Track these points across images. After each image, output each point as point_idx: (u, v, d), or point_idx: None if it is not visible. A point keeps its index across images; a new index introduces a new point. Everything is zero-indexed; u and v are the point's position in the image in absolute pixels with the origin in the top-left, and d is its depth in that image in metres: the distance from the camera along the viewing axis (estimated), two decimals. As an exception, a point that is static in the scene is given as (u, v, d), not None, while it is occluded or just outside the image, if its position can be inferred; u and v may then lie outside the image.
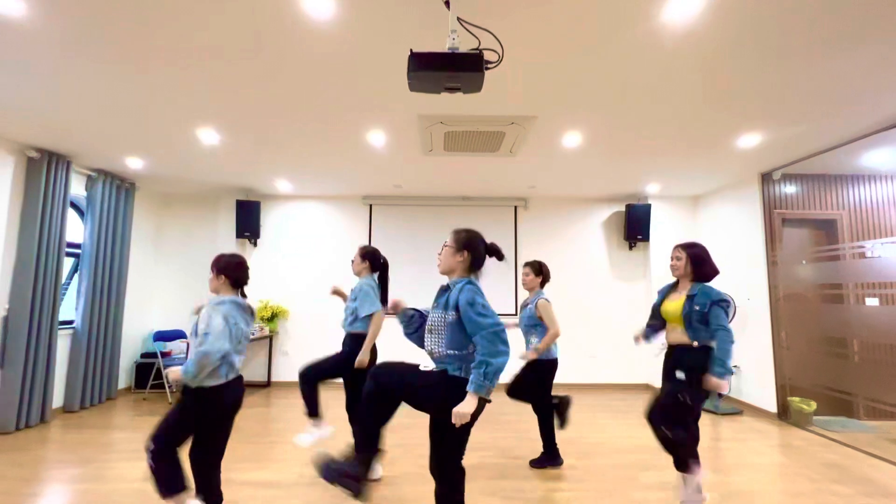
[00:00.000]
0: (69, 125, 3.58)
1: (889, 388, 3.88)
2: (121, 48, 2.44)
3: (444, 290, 1.87)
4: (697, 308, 2.42)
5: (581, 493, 2.77)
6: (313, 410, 2.92)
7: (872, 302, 4.45)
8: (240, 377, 2.20)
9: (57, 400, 4.38)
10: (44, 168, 4.07)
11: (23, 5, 2.07)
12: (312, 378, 2.90)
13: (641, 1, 2.00)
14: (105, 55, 2.51)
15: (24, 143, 3.99)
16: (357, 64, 2.57)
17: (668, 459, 2.51)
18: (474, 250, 1.90)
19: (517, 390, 3.22)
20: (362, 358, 2.83)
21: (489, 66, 1.69)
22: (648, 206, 5.65)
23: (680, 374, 2.41)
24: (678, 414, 2.40)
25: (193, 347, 2.05)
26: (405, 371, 1.87)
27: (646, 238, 5.68)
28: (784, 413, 4.43)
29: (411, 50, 1.65)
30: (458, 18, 1.75)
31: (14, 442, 3.64)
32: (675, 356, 2.52)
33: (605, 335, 5.75)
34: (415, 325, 1.95)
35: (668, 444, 2.42)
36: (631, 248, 5.88)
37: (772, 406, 4.51)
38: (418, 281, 5.63)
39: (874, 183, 4.62)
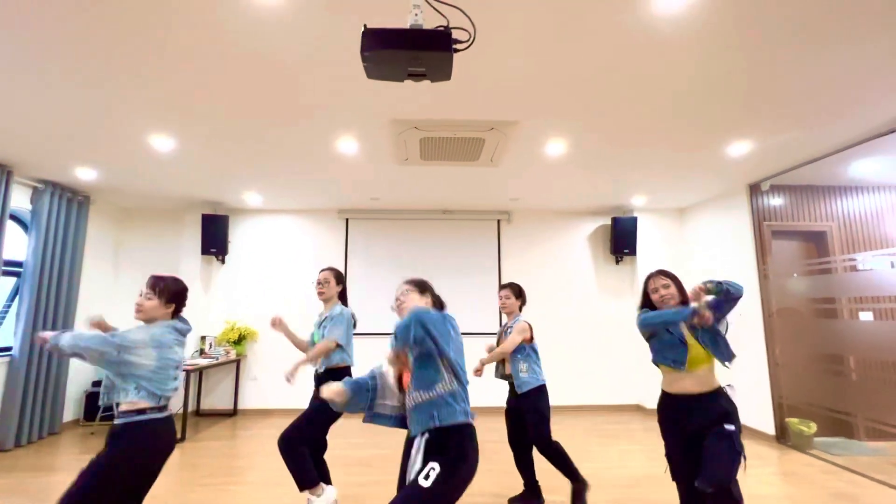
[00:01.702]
0: (7, 132, 3.23)
1: (889, 408, 3.69)
2: (64, 51, 2.15)
3: None
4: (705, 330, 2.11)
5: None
6: (305, 480, 2.45)
7: (866, 316, 4.30)
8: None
9: (-13, 437, 3.91)
10: (-21, 178, 3.70)
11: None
12: (294, 444, 2.46)
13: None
14: (47, 59, 2.21)
15: (-45, 151, 3.62)
16: (313, 56, 2.32)
17: (656, 486, 2.21)
18: (431, 290, 1.92)
19: (518, 437, 2.86)
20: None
21: (458, 46, 1.45)
22: (635, 219, 5.48)
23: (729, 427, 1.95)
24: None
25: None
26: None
27: (633, 252, 5.50)
28: (783, 435, 4.19)
29: (365, 25, 1.40)
30: (424, -6, 1.52)
31: (-74, 489, 3.16)
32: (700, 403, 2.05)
33: (592, 353, 5.49)
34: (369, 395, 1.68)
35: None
36: (618, 262, 5.69)
37: (769, 428, 4.28)
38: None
39: (863, 194, 4.53)
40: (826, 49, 2.25)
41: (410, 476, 1.47)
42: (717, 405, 2.00)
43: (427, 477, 1.45)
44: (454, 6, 1.50)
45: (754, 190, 4.53)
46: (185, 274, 5.42)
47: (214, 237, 5.32)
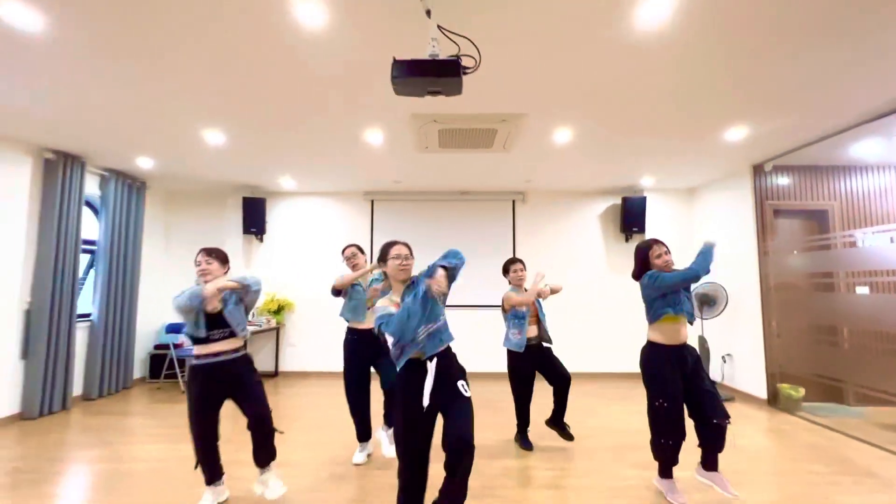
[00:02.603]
0: (83, 128, 3.77)
1: (877, 375, 3.97)
2: (132, 55, 2.61)
3: (411, 286, 2.01)
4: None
5: (569, 471, 2.93)
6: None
7: (863, 290, 4.53)
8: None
9: (77, 389, 4.63)
10: (59, 169, 4.28)
11: (40, 19, 2.25)
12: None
13: (615, 4, 2.12)
14: (117, 62, 2.69)
15: (40, 146, 4.21)
16: (350, 68, 2.71)
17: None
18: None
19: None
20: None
21: (467, 71, 1.83)
22: (644, 199, 5.75)
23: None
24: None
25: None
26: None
27: (641, 230, 5.79)
28: (774, 399, 4.54)
29: (394, 57, 1.80)
30: (439, 26, 1.89)
31: (39, 427, 3.88)
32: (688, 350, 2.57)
33: (602, 325, 5.87)
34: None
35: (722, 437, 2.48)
36: (627, 240, 5.98)
37: (762, 393, 4.62)
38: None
39: (863, 173, 4.68)
40: (805, 49, 2.51)
41: (427, 391, 1.90)
42: (694, 350, 2.57)
43: (466, 389, 1.94)
44: (464, 37, 1.87)
45: (758, 171, 4.74)
46: (229, 250, 5.99)
47: (254, 218, 5.88)
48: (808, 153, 4.30)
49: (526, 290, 3.40)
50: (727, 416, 2.45)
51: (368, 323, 3.04)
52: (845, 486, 2.74)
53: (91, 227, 4.99)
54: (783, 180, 4.78)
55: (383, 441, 3.13)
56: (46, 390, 4.15)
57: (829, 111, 3.39)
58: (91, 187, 4.83)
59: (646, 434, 2.63)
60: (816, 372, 4.43)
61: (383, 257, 2.10)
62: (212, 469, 2.42)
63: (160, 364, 5.56)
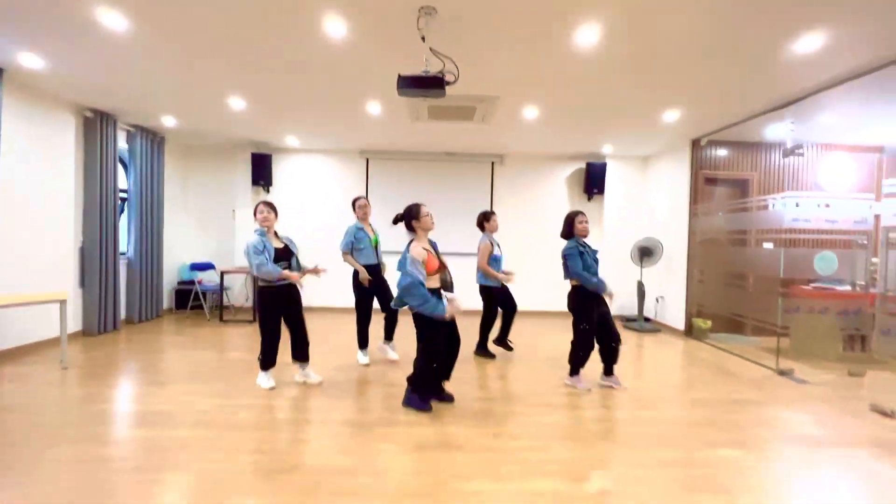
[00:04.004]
0: (119, 90, 4.38)
1: (767, 311, 5.12)
2: (174, 35, 3.28)
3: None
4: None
5: (521, 373, 4.03)
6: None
7: (768, 245, 5.61)
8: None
9: (121, 314, 5.54)
10: (97, 126, 4.94)
11: (112, 12, 2.92)
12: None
13: (560, 29, 2.90)
14: (161, 40, 3.36)
15: (81, 105, 4.83)
16: (361, 60, 3.45)
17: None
18: None
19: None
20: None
21: (449, 83, 2.64)
22: (605, 165, 6.64)
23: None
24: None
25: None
26: None
27: (601, 192, 6.73)
28: (689, 331, 5.72)
29: (399, 74, 2.59)
30: (431, 49, 2.67)
31: (101, 340, 4.83)
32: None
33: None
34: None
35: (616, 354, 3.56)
36: (589, 199, 6.92)
37: (681, 326, 5.80)
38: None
39: (777, 150, 5.63)
40: (707, 58, 3.35)
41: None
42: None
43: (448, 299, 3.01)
44: (448, 57, 2.67)
45: (695, 144, 5.65)
46: (240, 200, 6.82)
47: (261, 171, 6.60)
48: (734, 132, 5.19)
49: (497, 244, 4.36)
50: (620, 341, 3.55)
51: (373, 258, 4.08)
52: (706, 378, 3.91)
53: (121, 177, 5.68)
54: (716, 153, 5.71)
55: (389, 351, 4.19)
56: (101, 313, 5.06)
57: (739, 102, 4.26)
58: (119, 141, 5.48)
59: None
60: (726, 309, 5.59)
61: (416, 215, 2.97)
62: (273, 359, 3.44)
63: (184, 297, 6.47)
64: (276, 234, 3.49)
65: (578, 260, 3.48)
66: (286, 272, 3.32)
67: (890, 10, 2.58)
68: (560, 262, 3.66)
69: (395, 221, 3.11)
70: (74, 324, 4.88)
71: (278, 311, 3.40)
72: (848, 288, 4.68)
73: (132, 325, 5.62)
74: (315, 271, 3.59)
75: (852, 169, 5.67)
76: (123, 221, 5.70)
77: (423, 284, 2.77)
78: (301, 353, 3.52)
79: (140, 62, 3.66)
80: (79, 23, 2.94)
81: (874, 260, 4.53)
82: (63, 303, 3.83)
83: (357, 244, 4.07)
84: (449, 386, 3.27)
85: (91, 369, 3.84)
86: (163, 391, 3.34)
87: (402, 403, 3.10)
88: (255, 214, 3.42)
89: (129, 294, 5.65)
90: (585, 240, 3.60)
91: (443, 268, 2.97)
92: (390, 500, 2.03)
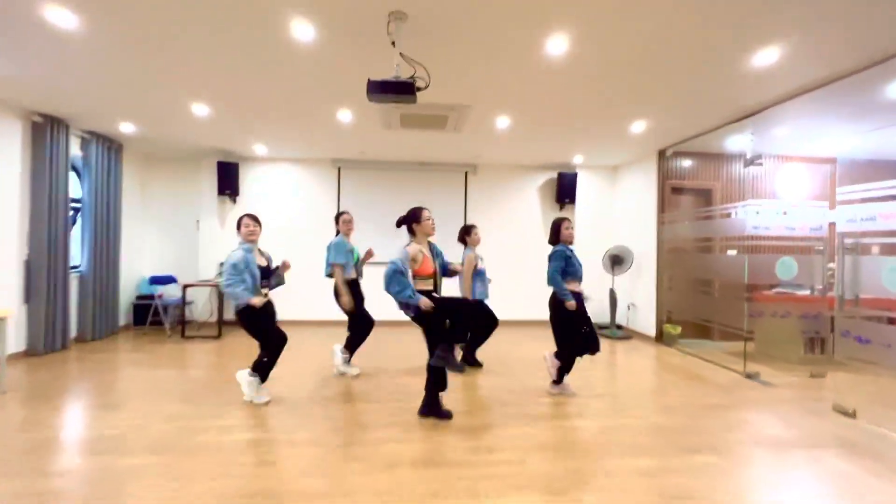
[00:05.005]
0: (74, 95, 4.13)
1: (733, 316, 5.25)
2: (131, 39, 3.10)
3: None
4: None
5: (497, 383, 3.97)
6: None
7: (732, 252, 5.81)
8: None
9: (73, 331, 5.18)
10: (47, 131, 4.64)
11: (63, 12, 2.74)
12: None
13: (531, 41, 2.91)
14: (117, 45, 3.18)
15: (30, 109, 4.54)
16: (330, 65, 3.36)
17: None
18: None
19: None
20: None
21: (420, 89, 2.59)
22: (575, 175, 6.75)
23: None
24: None
25: None
26: None
27: (573, 201, 6.82)
28: (660, 337, 5.82)
29: (369, 79, 2.53)
30: (401, 54, 2.62)
31: (46, 360, 4.48)
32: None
33: (539, 282, 6.94)
34: None
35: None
36: (561, 208, 7.00)
37: (652, 332, 5.90)
38: (382, 236, 6.53)
39: (737, 161, 5.86)
40: (672, 73, 3.44)
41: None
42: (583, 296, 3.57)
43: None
44: (420, 63, 2.62)
45: (661, 155, 5.81)
46: (204, 211, 6.55)
47: (228, 180, 6.37)
48: (698, 143, 5.37)
49: (481, 257, 4.32)
50: (598, 350, 3.52)
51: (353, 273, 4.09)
52: (679, 384, 3.95)
53: (75, 185, 5.35)
54: (681, 164, 5.89)
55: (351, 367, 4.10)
56: (48, 331, 4.70)
57: (702, 115, 4.41)
58: (73, 148, 5.17)
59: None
60: (694, 315, 5.71)
61: (417, 218, 2.99)
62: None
63: (143, 312, 6.11)
64: (259, 249, 3.37)
65: (558, 263, 3.49)
66: (254, 299, 3.18)
67: (840, 27, 2.72)
68: (544, 267, 3.66)
69: (399, 224, 3.11)
70: (17, 343, 4.51)
71: (266, 320, 3.30)
72: (807, 292, 4.87)
73: (84, 343, 5.25)
74: (285, 266, 3.54)
75: (807, 178, 5.96)
76: (77, 233, 5.36)
77: (403, 274, 2.82)
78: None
79: (92, 64, 3.45)
80: (21, 18, 2.74)
81: (830, 265, 4.73)
82: (3, 321, 3.52)
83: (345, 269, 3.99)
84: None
85: (33, 392, 3.53)
86: (114, 414, 3.10)
87: (419, 412, 3.07)
88: (238, 228, 3.31)
89: (81, 310, 5.28)
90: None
91: (451, 273, 3.24)
92: (361, 524, 1.91)
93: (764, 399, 3.63)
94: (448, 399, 3.46)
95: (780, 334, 4.74)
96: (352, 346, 4.11)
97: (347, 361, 4.09)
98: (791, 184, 5.90)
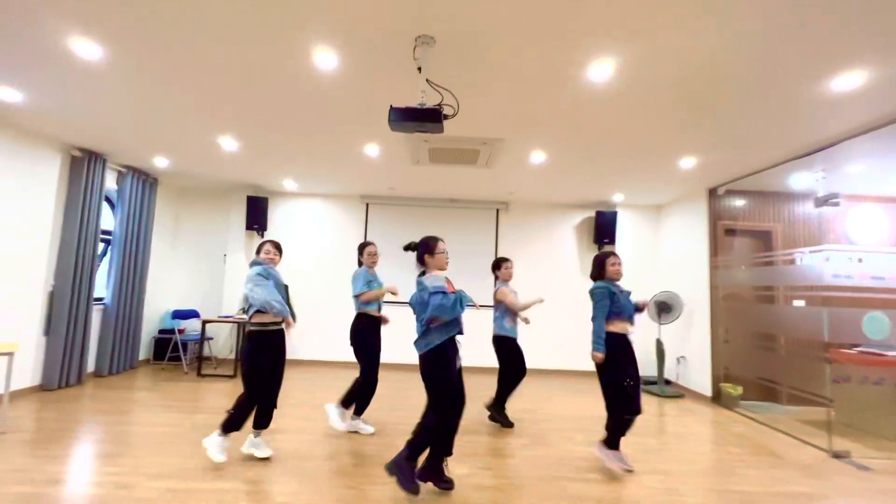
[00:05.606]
0: (112, 131, 4.21)
1: (807, 378, 4.55)
2: (166, 75, 3.08)
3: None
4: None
5: (531, 451, 3.46)
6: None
7: (799, 303, 5.13)
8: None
9: (90, 366, 5.07)
10: (84, 165, 4.72)
11: (95, 47, 2.71)
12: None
13: (569, 64, 2.64)
14: (152, 80, 3.16)
15: (69, 143, 4.64)
16: (357, 96, 3.21)
17: (597, 424, 3.17)
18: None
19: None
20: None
21: (447, 116, 2.34)
22: (615, 213, 6.32)
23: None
24: None
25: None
26: None
27: (612, 241, 6.35)
28: (717, 397, 5.12)
29: (391, 105, 2.30)
30: (427, 80, 2.40)
31: (58, 396, 4.32)
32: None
33: (573, 327, 6.41)
34: None
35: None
36: (599, 249, 6.54)
37: (708, 391, 5.20)
38: (410, 273, 6.26)
39: (801, 200, 5.28)
40: (729, 101, 3.07)
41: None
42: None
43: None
44: (447, 90, 2.39)
45: (712, 193, 5.33)
46: (232, 245, 6.51)
47: (256, 215, 6.33)
48: (754, 181, 4.88)
49: (514, 291, 3.95)
50: (640, 412, 2.95)
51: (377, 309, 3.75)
52: (750, 462, 3.30)
53: (107, 217, 5.42)
54: (734, 203, 5.37)
55: (362, 425, 3.67)
56: (64, 365, 4.59)
57: (761, 149, 3.97)
58: (109, 181, 5.26)
59: (589, 418, 3.14)
60: (756, 374, 5.01)
61: (431, 249, 2.67)
62: (246, 418, 2.98)
63: (163, 347, 5.99)
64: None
65: (604, 303, 3.01)
66: (287, 316, 3.06)
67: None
68: (580, 313, 3.20)
69: (407, 249, 2.85)
70: (33, 377, 4.41)
71: (267, 357, 3.02)
72: (901, 354, 4.15)
73: (101, 377, 5.12)
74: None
75: (884, 221, 5.29)
76: (105, 265, 5.37)
77: (445, 293, 2.51)
78: (265, 418, 3.05)
79: (124, 100, 3.47)
80: (53, 52, 2.73)
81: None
82: (10, 356, 3.39)
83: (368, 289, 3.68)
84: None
85: (32, 434, 3.33)
86: (105, 468, 2.81)
87: (386, 467, 2.53)
88: (258, 253, 3.12)
89: (101, 343, 5.19)
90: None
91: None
92: None
93: (863, 489, 2.95)
94: (474, 470, 2.99)
95: (871, 403, 4.00)
96: (363, 396, 3.66)
97: (359, 415, 3.68)
98: (867, 227, 5.23)
